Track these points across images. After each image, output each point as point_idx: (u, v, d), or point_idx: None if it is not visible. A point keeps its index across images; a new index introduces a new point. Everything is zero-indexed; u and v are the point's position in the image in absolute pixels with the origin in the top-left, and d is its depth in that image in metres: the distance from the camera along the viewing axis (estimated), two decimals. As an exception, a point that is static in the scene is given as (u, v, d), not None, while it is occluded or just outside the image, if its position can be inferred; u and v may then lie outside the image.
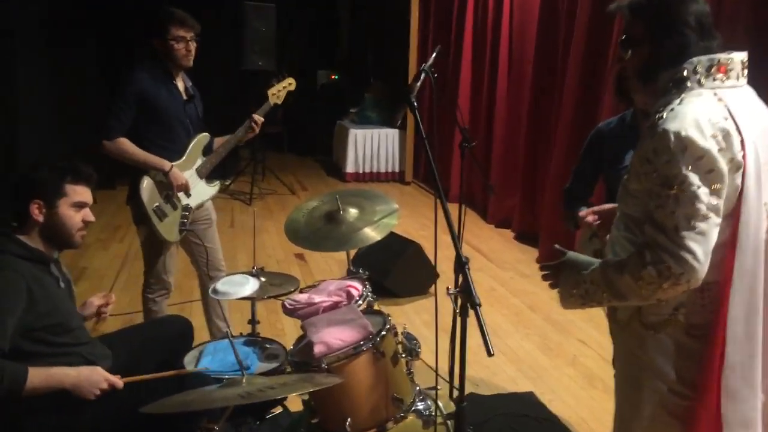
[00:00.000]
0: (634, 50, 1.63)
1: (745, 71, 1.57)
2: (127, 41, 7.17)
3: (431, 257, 4.78)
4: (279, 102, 3.48)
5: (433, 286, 4.71)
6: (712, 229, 1.45)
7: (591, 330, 4.12)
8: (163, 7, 3.12)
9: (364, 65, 9.93)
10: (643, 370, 1.60)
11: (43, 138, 6.16)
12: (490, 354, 1.48)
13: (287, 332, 4.02)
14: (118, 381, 2.06)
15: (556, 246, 1.80)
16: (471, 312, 1.64)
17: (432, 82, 2.00)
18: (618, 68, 2.47)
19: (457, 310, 1.63)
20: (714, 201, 1.45)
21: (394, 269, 4.55)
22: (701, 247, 1.44)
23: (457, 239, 1.72)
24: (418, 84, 2.05)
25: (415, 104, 1.92)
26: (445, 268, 5.07)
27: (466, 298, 1.60)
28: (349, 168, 8.52)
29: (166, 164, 3.06)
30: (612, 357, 2.88)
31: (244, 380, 1.84)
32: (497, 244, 6.04)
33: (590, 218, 2.17)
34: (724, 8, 3.57)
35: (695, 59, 1.53)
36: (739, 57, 1.55)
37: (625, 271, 1.51)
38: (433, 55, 2.46)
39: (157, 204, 3.07)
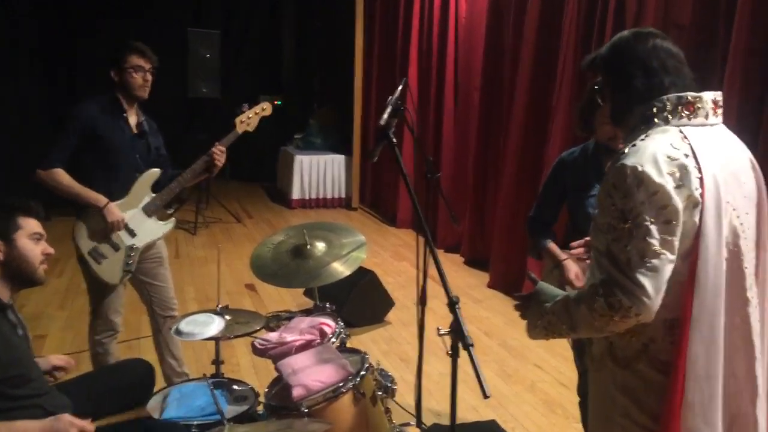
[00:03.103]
0: (604, 99, 1.69)
1: (719, 110, 1.60)
2: (72, 72, 6.94)
3: (387, 285, 4.78)
4: (250, 129, 3.30)
5: (388, 314, 4.70)
6: (665, 265, 1.46)
7: (545, 354, 4.18)
8: (121, 40, 3.08)
9: (309, 91, 9.89)
10: (614, 406, 1.60)
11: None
12: (485, 396, 1.46)
13: (243, 367, 3.92)
14: (88, 425, 1.92)
15: (530, 273, 1.81)
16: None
17: (411, 118, 1.99)
18: (581, 103, 2.56)
19: (448, 351, 1.61)
20: (667, 237, 1.47)
21: (350, 299, 4.50)
22: (652, 282, 1.45)
23: (446, 283, 1.70)
24: (394, 119, 2.04)
25: (394, 141, 1.91)
26: (399, 296, 5.09)
27: (457, 338, 1.58)
28: (295, 194, 8.42)
29: (101, 200, 2.94)
30: (576, 384, 2.96)
31: (226, 429, 1.75)
32: (447, 270, 5.92)
33: (579, 250, 2.22)
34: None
35: (665, 97, 1.56)
36: (710, 96, 1.58)
37: (581, 303, 1.53)
38: (400, 87, 2.46)
39: (92, 246, 2.96)
